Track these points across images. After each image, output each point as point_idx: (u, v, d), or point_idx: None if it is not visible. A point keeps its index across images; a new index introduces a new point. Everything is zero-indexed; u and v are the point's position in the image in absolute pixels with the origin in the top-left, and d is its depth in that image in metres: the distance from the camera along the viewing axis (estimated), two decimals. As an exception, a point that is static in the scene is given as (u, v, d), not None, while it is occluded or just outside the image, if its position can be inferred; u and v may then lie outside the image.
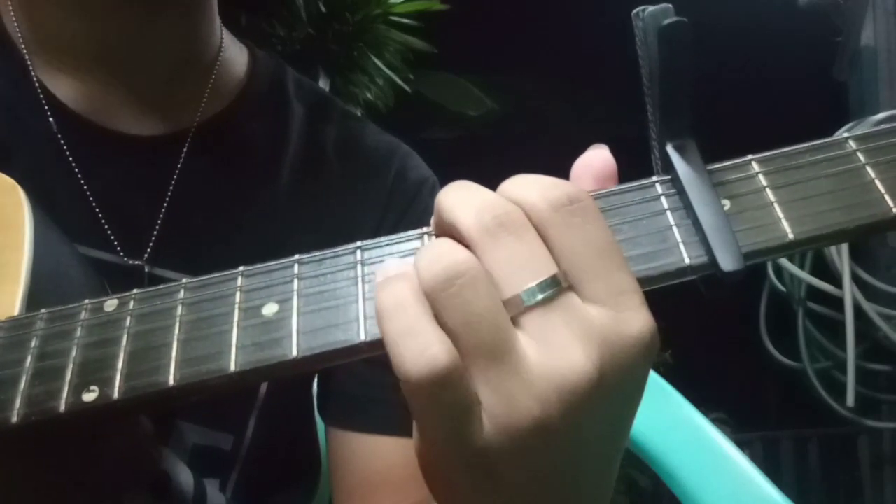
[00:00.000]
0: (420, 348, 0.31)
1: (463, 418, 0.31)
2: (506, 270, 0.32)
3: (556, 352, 0.31)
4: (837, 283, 2.66)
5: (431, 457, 0.34)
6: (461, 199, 0.34)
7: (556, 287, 0.32)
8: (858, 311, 2.61)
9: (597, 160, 0.37)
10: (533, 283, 0.32)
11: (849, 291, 2.61)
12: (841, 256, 2.63)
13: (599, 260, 0.32)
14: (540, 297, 0.32)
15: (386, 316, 0.32)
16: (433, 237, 0.36)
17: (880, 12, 3.31)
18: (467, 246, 0.33)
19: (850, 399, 2.64)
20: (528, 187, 0.34)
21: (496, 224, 0.32)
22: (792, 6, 3.32)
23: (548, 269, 0.32)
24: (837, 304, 2.68)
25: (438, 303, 0.31)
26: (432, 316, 0.32)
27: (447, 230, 0.34)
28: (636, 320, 0.32)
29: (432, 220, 0.35)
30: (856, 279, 2.65)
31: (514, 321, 0.32)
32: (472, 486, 0.33)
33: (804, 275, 2.74)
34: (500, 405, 0.31)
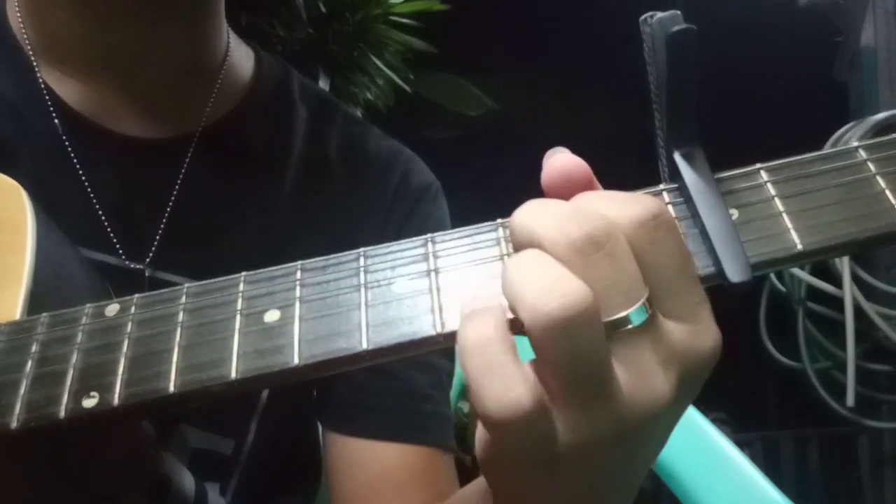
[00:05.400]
0: (503, 389, 0.30)
1: (541, 443, 0.31)
2: (599, 294, 0.30)
3: (643, 381, 0.31)
4: (837, 283, 2.66)
5: (498, 459, 0.34)
6: (540, 214, 0.32)
7: (650, 311, 0.31)
8: (858, 311, 2.61)
9: (572, 169, 0.34)
10: (629, 310, 0.30)
11: (849, 291, 2.60)
12: (841, 256, 2.63)
13: (680, 276, 0.32)
14: (636, 323, 0.30)
15: (467, 352, 0.31)
16: (433, 242, 0.36)
17: (880, 12, 3.30)
18: None
19: (850, 399, 2.63)
20: (604, 204, 0.32)
21: (586, 239, 0.30)
22: (792, 6, 3.31)
23: (641, 292, 0.31)
24: (837, 304, 2.67)
25: (549, 342, 0.30)
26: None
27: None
28: (709, 334, 0.32)
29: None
30: (856, 279, 2.64)
31: None
32: (535, 481, 0.33)
33: (804, 275, 2.73)
34: (582, 428, 0.31)
